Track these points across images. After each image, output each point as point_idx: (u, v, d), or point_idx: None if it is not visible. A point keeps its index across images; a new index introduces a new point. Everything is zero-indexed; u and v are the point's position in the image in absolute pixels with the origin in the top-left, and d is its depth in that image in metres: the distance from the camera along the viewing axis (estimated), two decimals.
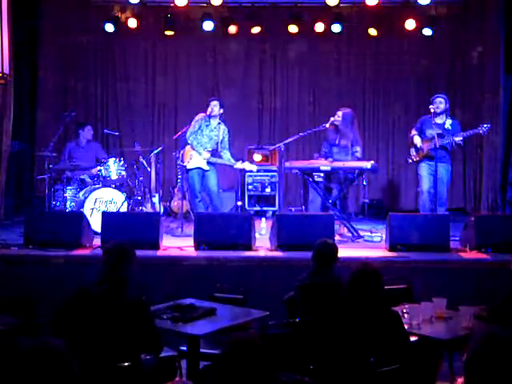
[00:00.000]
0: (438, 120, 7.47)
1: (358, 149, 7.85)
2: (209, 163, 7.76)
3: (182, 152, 7.83)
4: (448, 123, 7.45)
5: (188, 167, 7.76)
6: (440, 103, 7.46)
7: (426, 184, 7.52)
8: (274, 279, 5.95)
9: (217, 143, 7.81)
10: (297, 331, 4.08)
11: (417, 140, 7.55)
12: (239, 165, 7.74)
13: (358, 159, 7.80)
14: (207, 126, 7.82)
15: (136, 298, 3.67)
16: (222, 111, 7.85)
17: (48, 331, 3.70)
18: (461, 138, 7.37)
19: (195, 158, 7.75)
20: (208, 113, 7.79)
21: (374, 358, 3.55)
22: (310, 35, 10.02)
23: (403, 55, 10.25)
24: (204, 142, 7.78)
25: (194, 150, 7.76)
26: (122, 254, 3.81)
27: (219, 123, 7.86)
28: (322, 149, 8.13)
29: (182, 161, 7.80)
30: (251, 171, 8.01)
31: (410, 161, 7.70)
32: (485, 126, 7.37)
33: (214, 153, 7.81)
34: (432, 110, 7.35)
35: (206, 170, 7.76)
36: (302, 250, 5.86)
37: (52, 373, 2.13)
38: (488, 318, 3.86)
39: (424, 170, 7.54)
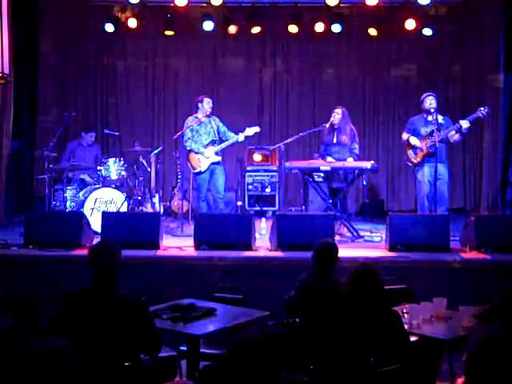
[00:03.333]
0: (430, 118, 7.46)
1: (356, 146, 7.93)
2: (217, 153, 7.86)
3: (189, 161, 7.88)
4: (440, 118, 7.44)
5: (202, 170, 7.81)
6: (432, 100, 7.45)
7: (424, 190, 7.43)
8: (274, 279, 5.94)
9: (215, 134, 7.89)
10: (297, 331, 4.08)
11: (414, 140, 7.48)
12: (242, 137, 7.83)
13: (357, 156, 7.84)
14: (200, 125, 7.88)
15: (134, 298, 3.66)
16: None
17: (47, 332, 3.69)
18: (467, 121, 7.25)
19: (203, 160, 7.80)
20: (208, 113, 7.83)
21: (374, 358, 3.55)
22: (310, 35, 10.02)
23: (403, 55, 10.25)
24: (204, 140, 7.84)
25: (197, 153, 7.81)
26: (107, 250, 3.78)
27: (209, 117, 7.92)
28: (320, 151, 8.17)
29: (193, 168, 7.86)
30: (256, 133, 8.00)
31: (410, 164, 7.58)
32: (482, 108, 7.27)
33: (214, 142, 7.88)
34: (428, 106, 7.39)
35: (217, 164, 7.84)
36: (302, 250, 5.86)
37: (56, 373, 2.13)
38: (488, 318, 3.86)
39: (424, 175, 7.40)
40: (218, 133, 7.94)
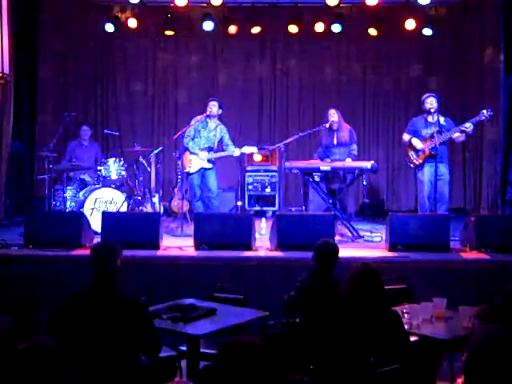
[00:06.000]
0: (430, 119, 7.47)
1: (355, 147, 8.03)
2: (209, 161, 7.84)
3: (182, 159, 7.88)
4: (442, 119, 7.44)
5: (191, 171, 7.82)
6: (433, 101, 7.46)
7: (425, 189, 7.44)
8: (274, 279, 5.95)
9: (214, 142, 7.89)
10: (297, 331, 4.08)
11: (416, 142, 7.48)
12: (238, 152, 7.85)
13: (356, 157, 7.86)
14: (204, 127, 7.91)
15: (134, 299, 3.66)
16: (220, 112, 7.95)
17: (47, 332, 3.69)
18: (470, 124, 7.28)
19: (195, 161, 7.83)
20: (208, 113, 7.85)
21: (373, 358, 3.55)
22: (310, 35, 10.02)
23: (403, 55, 10.25)
24: (202, 143, 7.86)
25: (191, 153, 7.82)
26: (107, 251, 3.78)
27: (218, 124, 7.93)
28: (318, 153, 8.20)
29: (183, 167, 7.87)
30: (252, 153, 7.99)
31: (412, 165, 7.59)
32: (485, 111, 7.30)
33: (211, 149, 7.88)
34: (428, 107, 7.40)
35: (207, 169, 7.84)
36: (302, 250, 5.87)
37: (41, 371, 2.14)
38: (488, 318, 3.86)
39: (425, 174, 7.42)
40: (221, 142, 7.94)
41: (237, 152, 7.85)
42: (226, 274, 6.02)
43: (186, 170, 7.90)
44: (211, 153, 7.87)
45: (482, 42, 9.74)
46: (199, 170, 7.85)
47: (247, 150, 7.88)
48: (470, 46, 9.90)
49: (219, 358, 2.36)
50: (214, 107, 7.89)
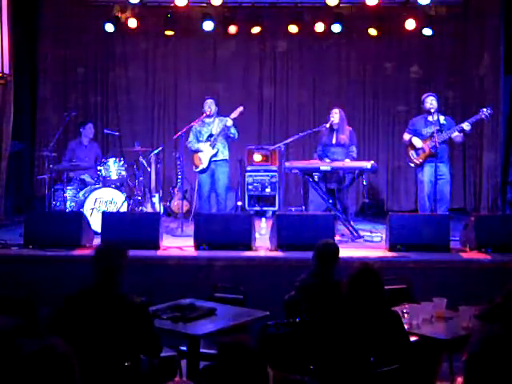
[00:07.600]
0: (431, 118, 7.48)
1: (354, 149, 8.03)
2: (213, 146, 7.90)
3: (193, 161, 8.03)
4: (442, 118, 7.46)
5: (203, 167, 7.90)
6: (433, 101, 7.47)
7: (426, 189, 7.46)
8: (274, 279, 5.95)
9: (212, 131, 7.94)
10: (297, 331, 4.08)
11: (416, 141, 7.50)
12: (230, 121, 7.84)
13: (354, 159, 7.86)
14: (203, 125, 8.02)
15: (135, 299, 3.66)
16: (216, 109, 8.06)
17: (47, 332, 3.69)
18: (468, 124, 7.30)
19: (203, 156, 7.91)
20: (208, 113, 7.89)
21: (373, 358, 3.55)
22: (310, 35, 10.02)
23: (403, 55, 10.25)
24: (204, 138, 7.95)
25: (198, 152, 7.91)
26: (112, 251, 3.78)
27: (215, 117, 8.02)
28: (317, 151, 8.21)
29: (196, 167, 7.98)
30: (241, 112, 7.89)
31: (413, 164, 7.61)
32: (485, 110, 7.32)
33: (211, 136, 7.94)
34: (428, 107, 7.42)
35: (217, 162, 7.90)
36: (302, 250, 5.87)
37: (55, 374, 2.13)
38: (488, 317, 3.86)
39: (425, 174, 7.43)
40: (227, 128, 7.95)
41: (229, 122, 7.86)
42: (225, 273, 6.02)
43: (198, 169, 7.97)
44: (212, 138, 7.91)
45: (481, 41, 9.74)
46: (210, 164, 7.89)
47: (235, 113, 7.86)
48: (470, 45, 9.90)
49: (217, 359, 2.37)
50: (212, 105, 7.96)
